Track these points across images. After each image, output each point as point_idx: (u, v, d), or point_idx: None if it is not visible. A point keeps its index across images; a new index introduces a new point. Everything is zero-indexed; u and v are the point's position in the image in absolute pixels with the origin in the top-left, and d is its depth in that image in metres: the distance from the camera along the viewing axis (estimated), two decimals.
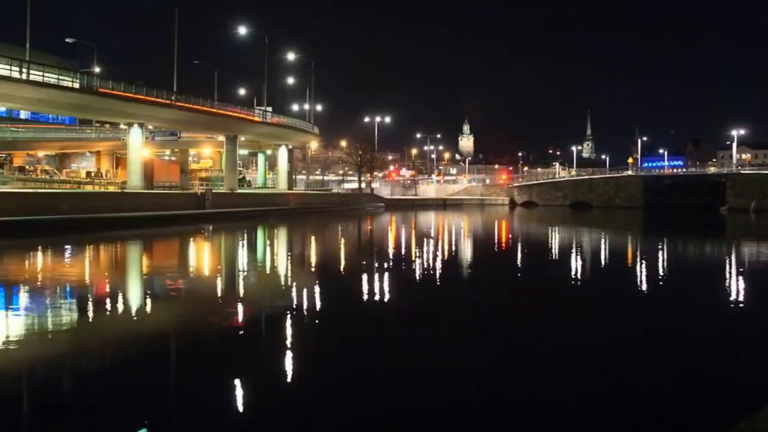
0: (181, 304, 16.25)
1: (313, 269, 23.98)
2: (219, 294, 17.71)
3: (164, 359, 10.84)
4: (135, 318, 14.24)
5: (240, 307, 15.27)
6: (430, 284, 19.79)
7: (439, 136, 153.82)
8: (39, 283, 19.60)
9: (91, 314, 14.32)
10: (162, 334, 12.58)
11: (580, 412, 8.41)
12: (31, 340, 12.06)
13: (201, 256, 29.36)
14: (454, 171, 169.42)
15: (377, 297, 16.80)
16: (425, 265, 24.50)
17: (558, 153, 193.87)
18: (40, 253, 28.05)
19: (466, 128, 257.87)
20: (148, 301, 16.72)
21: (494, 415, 8.30)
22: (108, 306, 15.25)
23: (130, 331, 12.83)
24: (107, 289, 18.34)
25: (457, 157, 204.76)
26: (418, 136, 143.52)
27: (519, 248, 34.14)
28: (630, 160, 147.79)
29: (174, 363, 10.79)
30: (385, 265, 24.58)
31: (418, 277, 20.93)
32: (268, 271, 23.63)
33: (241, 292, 18.29)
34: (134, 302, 16.55)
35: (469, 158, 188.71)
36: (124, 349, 11.23)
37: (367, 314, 14.65)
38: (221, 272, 23.13)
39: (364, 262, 25.86)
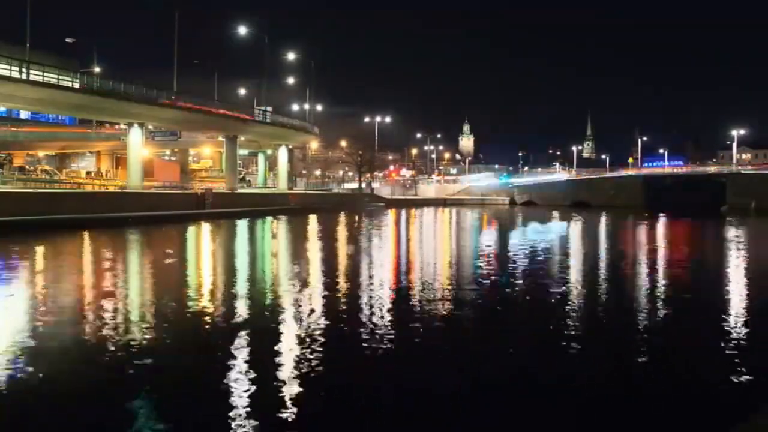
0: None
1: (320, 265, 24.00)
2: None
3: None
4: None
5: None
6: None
7: (439, 136, 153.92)
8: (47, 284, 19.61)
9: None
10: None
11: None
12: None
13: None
14: (454, 171, 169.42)
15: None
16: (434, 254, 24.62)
17: (558, 153, 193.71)
18: (41, 253, 28.03)
19: (466, 128, 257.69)
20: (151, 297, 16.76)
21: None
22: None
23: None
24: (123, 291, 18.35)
25: (458, 157, 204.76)
26: (419, 136, 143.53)
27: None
28: (630, 160, 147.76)
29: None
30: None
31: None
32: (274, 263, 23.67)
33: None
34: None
35: (470, 158, 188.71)
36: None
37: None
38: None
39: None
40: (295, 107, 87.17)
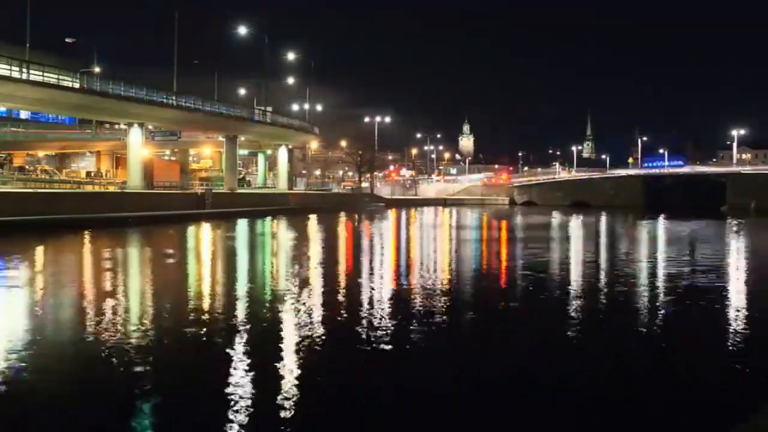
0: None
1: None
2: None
3: None
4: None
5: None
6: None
7: (439, 136, 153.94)
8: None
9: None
10: None
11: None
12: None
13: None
14: (454, 171, 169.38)
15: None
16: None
17: (558, 153, 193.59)
18: (41, 253, 28.02)
19: (466, 128, 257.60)
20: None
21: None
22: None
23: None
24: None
25: (458, 157, 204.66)
26: (419, 136, 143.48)
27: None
28: (630, 160, 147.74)
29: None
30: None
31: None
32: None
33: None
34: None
35: (470, 158, 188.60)
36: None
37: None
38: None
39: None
40: (295, 107, 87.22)
